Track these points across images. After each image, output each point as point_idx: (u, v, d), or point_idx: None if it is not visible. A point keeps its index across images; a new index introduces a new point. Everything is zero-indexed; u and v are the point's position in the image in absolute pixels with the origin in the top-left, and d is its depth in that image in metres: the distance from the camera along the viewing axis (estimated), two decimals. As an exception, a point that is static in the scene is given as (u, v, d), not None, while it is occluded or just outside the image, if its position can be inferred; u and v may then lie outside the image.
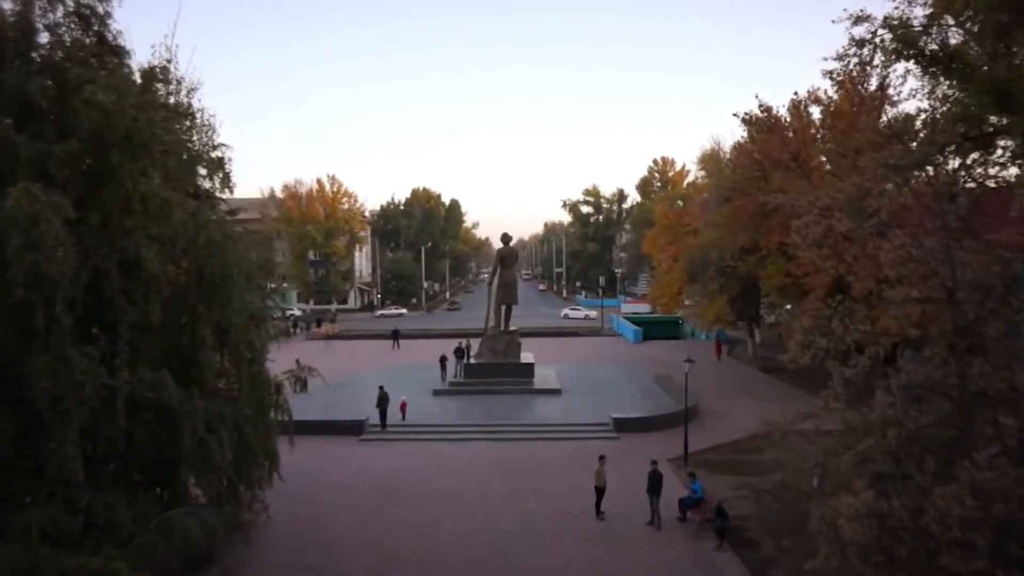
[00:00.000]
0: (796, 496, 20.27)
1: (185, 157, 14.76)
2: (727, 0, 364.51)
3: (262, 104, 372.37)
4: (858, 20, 24.85)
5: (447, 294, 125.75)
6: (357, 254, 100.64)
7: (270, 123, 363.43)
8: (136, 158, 10.97)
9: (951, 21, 21.16)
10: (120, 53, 12.67)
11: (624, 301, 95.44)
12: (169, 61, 16.58)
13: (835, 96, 33.68)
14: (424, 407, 31.79)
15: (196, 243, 12.97)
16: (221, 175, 18.73)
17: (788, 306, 37.53)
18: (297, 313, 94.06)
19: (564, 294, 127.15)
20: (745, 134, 62.19)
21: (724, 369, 42.60)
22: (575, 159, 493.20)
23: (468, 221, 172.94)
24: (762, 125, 32.82)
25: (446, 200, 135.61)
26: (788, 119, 33.00)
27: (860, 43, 26.19)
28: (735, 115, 61.76)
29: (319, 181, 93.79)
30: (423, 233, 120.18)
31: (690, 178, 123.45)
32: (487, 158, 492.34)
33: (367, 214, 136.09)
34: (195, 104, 17.14)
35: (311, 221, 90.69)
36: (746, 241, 34.56)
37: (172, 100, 16.28)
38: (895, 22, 23.02)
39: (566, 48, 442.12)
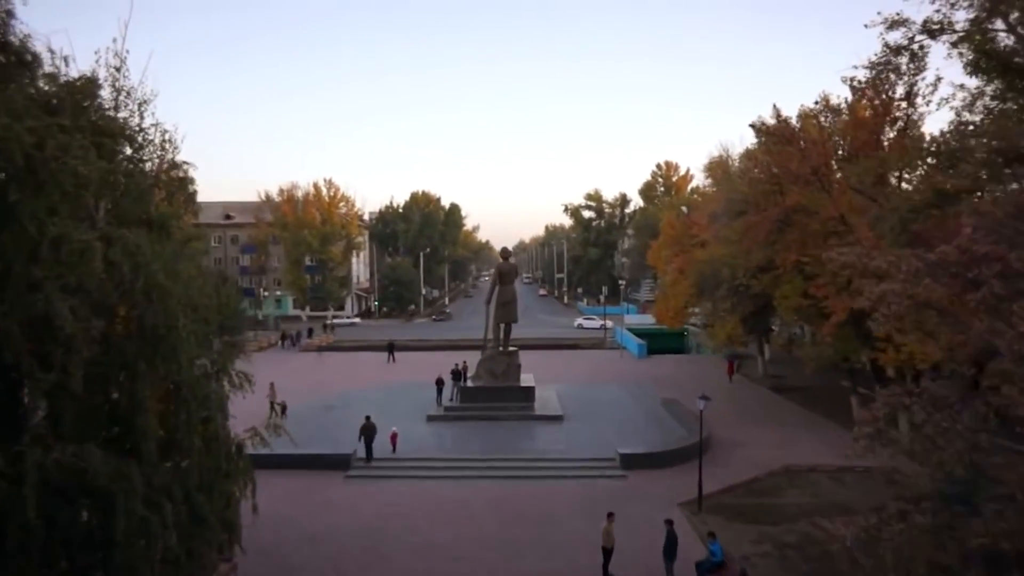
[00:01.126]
0: (824, 554, 18.30)
1: (126, 184, 12.54)
2: (729, 8, 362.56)
3: (262, 108, 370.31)
4: (894, 24, 22.89)
5: (446, 299, 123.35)
6: (354, 260, 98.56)
7: (270, 127, 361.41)
8: (41, 194, 8.89)
9: (1000, 25, 19.19)
10: (28, 63, 10.49)
11: (629, 309, 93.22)
12: (119, 68, 14.53)
13: (853, 103, 31.63)
14: (417, 436, 29.66)
15: (133, 289, 10.87)
16: (184, 196, 16.61)
17: (804, 327, 35.40)
18: (300, 316, 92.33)
19: (565, 300, 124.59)
20: (757, 142, 61.38)
21: (734, 391, 40.46)
22: (577, 161, 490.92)
23: (468, 224, 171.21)
24: (778, 136, 30.62)
25: (446, 203, 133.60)
26: (804, 129, 30.82)
27: (896, 50, 24.25)
28: (751, 126, 59.95)
29: (316, 185, 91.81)
30: (422, 237, 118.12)
31: (694, 183, 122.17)
32: (488, 160, 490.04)
33: (365, 217, 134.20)
34: (152, 118, 15.10)
35: (307, 226, 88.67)
36: (760, 259, 32.43)
37: (123, 115, 14.21)
38: (935, 26, 21.07)
39: (569, 53, 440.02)
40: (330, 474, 25.77)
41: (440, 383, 34.87)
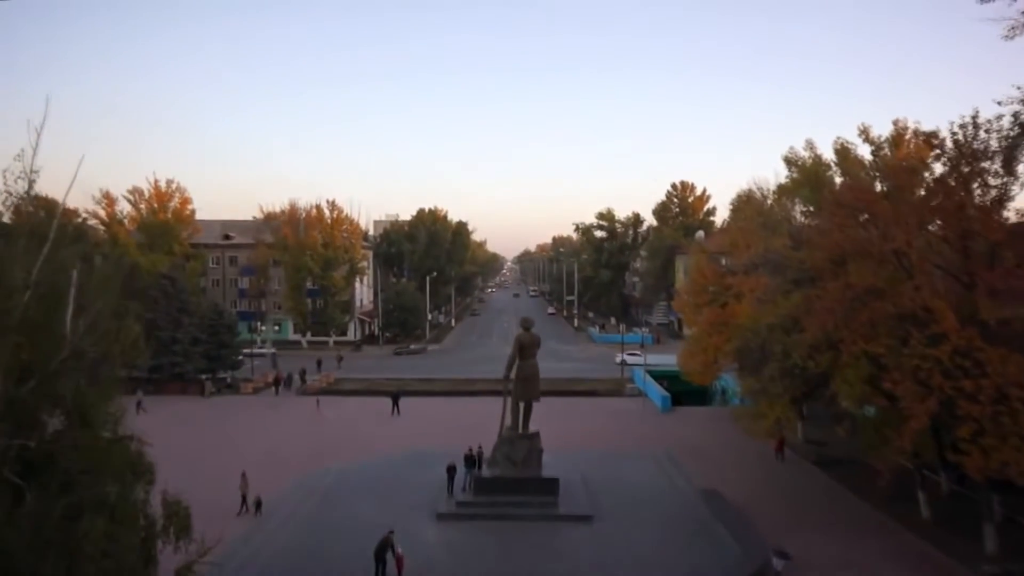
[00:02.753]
0: None
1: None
2: (734, 34, 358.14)
3: (264, 121, 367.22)
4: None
5: (452, 321, 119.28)
6: (358, 284, 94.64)
7: (272, 138, 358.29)
8: None
9: None
10: None
11: (645, 338, 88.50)
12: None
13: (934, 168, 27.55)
14: (425, 546, 25.54)
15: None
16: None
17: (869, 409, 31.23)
18: (301, 342, 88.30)
19: (575, 323, 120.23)
20: (789, 176, 57.07)
21: (780, 472, 36.20)
22: (587, 170, 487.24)
23: (476, 236, 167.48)
24: (853, 206, 26.47)
25: (452, 215, 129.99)
26: (879, 200, 26.68)
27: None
28: (786, 160, 55.85)
29: (317, 207, 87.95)
30: (428, 258, 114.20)
31: (710, 204, 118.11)
32: (495, 164, 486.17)
33: (370, 231, 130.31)
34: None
35: (309, 248, 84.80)
36: (820, 338, 28.30)
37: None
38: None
39: (577, 62, 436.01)
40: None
41: (452, 470, 30.79)
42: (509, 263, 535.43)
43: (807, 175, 54.93)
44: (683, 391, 54.25)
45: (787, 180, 59.74)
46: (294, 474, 35.10)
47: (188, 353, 57.88)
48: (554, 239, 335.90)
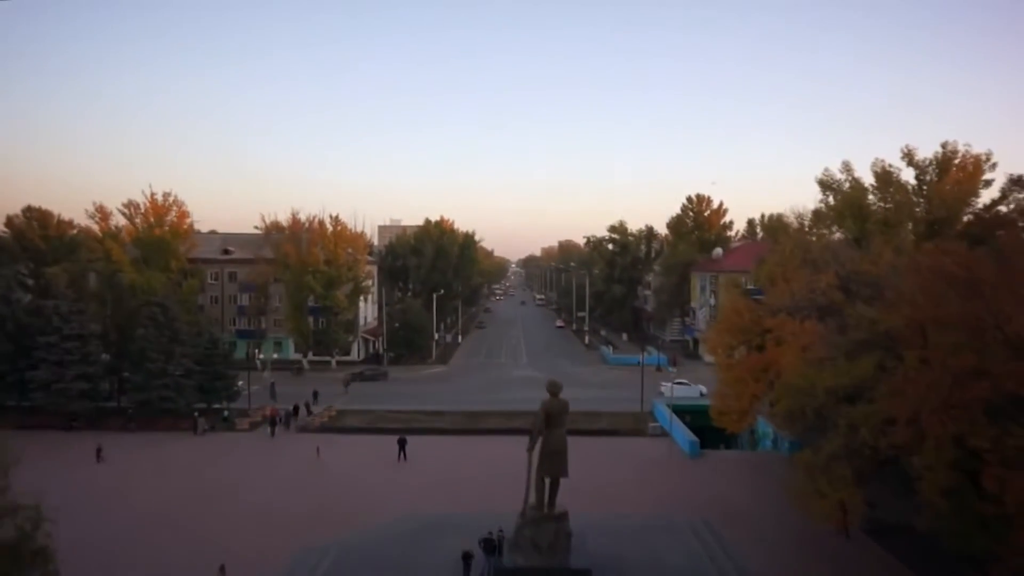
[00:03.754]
0: None
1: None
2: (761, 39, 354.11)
3: (264, 122, 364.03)
4: None
5: (458, 337, 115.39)
6: (362, 303, 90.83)
7: (272, 140, 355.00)
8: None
9: None
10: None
11: (661, 359, 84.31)
12: None
13: None
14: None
15: None
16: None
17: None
18: (302, 363, 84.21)
19: (586, 340, 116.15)
20: (824, 200, 53.05)
21: (840, 552, 31.99)
22: (595, 172, 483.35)
23: (483, 244, 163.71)
24: (952, 279, 22.47)
25: (460, 226, 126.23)
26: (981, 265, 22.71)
27: None
28: (820, 183, 51.73)
29: (320, 221, 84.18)
30: (435, 272, 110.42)
31: (726, 217, 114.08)
32: (501, 169, 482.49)
33: (375, 240, 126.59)
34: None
35: (311, 265, 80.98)
36: (895, 416, 24.39)
37: None
38: None
39: (585, 70, 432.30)
40: None
41: (468, 558, 26.92)
42: (514, 266, 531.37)
43: (847, 202, 51.02)
44: (706, 427, 50.28)
45: (822, 205, 55.98)
46: (289, 545, 31.31)
47: (180, 386, 54.14)
48: (560, 245, 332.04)
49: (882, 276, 32.25)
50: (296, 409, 59.88)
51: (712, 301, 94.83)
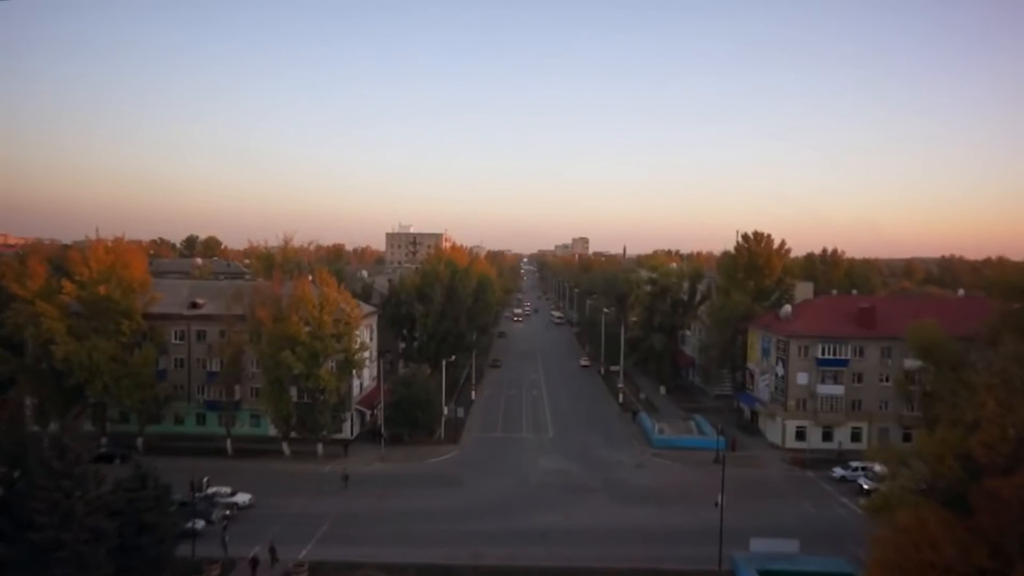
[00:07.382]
0: None
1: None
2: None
3: (266, 125, 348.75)
4: None
5: (472, 393, 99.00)
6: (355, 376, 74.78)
7: (275, 144, 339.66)
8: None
9: None
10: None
11: (720, 443, 67.86)
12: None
13: None
14: None
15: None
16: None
17: None
18: (283, 449, 68.33)
19: (621, 398, 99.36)
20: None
21: None
22: (604, 162, 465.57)
23: (497, 246, 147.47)
24: None
25: (471, 246, 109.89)
26: None
27: None
28: None
29: (304, 283, 68.03)
30: (444, 319, 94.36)
31: (788, 256, 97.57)
32: (511, 162, 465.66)
33: (374, 287, 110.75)
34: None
35: (290, 338, 64.86)
36: None
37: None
38: None
39: (596, 78, 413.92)
40: None
41: None
42: (525, 261, 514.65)
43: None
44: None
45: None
46: None
47: (84, 560, 38.32)
48: (579, 258, 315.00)
49: None
50: (255, 562, 44.73)
51: (780, 371, 78.29)
